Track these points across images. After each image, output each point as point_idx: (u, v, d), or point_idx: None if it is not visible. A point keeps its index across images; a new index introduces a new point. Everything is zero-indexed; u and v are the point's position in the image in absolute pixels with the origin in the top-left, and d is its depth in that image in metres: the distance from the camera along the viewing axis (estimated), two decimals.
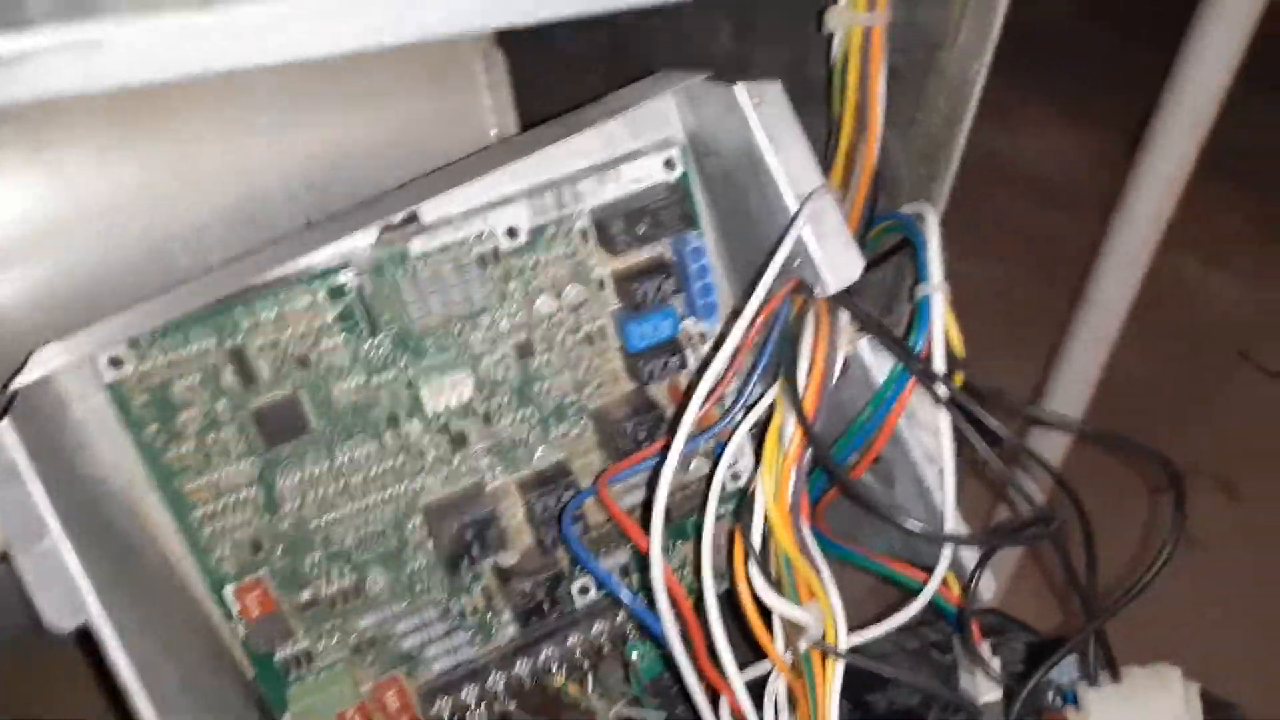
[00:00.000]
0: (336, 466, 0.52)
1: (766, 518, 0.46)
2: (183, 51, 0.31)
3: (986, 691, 0.54)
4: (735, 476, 0.60)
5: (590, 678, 0.60)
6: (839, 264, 0.46)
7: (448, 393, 0.52)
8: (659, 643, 0.46)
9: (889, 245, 0.56)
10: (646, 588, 0.56)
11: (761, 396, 0.48)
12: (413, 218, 0.49)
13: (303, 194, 0.60)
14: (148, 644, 0.45)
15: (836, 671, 0.47)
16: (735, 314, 0.47)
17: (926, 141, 0.53)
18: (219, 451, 0.50)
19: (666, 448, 0.52)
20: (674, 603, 0.46)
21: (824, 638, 0.47)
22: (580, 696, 0.59)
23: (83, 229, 0.56)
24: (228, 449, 0.50)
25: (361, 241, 0.49)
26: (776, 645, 0.47)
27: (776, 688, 0.47)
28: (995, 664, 0.55)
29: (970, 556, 0.51)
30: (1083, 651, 0.45)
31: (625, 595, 0.47)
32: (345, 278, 0.49)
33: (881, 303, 0.60)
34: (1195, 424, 1.36)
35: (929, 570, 0.56)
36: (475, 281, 0.51)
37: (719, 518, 0.61)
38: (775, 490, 0.46)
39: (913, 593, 0.55)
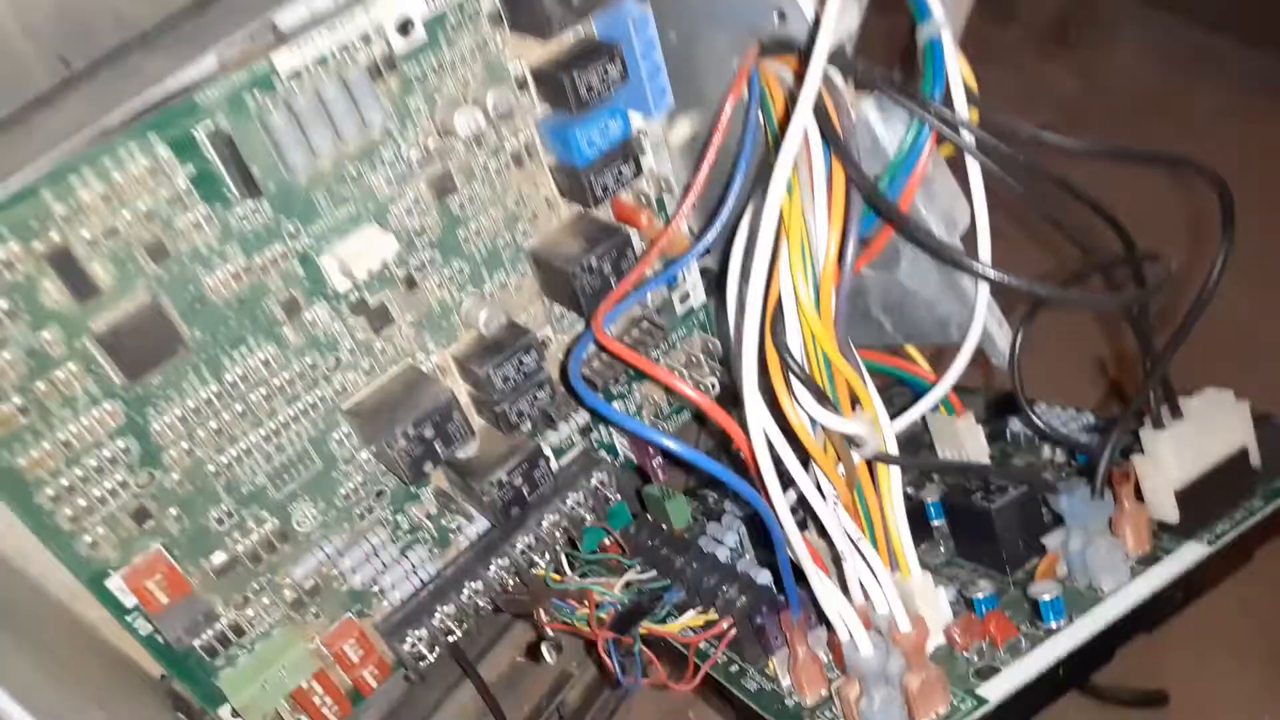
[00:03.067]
0: (228, 387, 0.39)
1: (805, 326, 0.39)
2: None
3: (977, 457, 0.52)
4: (684, 298, 0.52)
5: (564, 559, 0.52)
6: (836, 18, 0.37)
7: (356, 258, 0.39)
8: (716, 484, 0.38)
9: None
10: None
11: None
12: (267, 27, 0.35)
13: (49, 27, 0.42)
14: (62, 699, 0.32)
15: (894, 476, 0.42)
16: None
17: None
18: (60, 401, 0.35)
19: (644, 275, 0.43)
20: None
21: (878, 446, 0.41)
22: (566, 581, 0.51)
23: None
24: (73, 394, 0.35)
25: (202, 68, 0.34)
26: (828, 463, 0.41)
27: (839, 513, 0.41)
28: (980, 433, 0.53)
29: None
30: (1146, 397, 0.42)
31: (665, 441, 0.38)
32: (194, 121, 0.34)
33: None
34: None
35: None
36: (368, 101, 0.37)
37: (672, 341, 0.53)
38: (813, 296, 0.39)
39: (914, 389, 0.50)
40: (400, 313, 0.42)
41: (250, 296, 0.38)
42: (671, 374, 0.38)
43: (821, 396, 0.40)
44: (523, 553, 0.48)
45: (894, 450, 0.42)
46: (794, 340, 0.40)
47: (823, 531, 0.43)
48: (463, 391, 0.45)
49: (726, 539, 0.55)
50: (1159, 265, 0.40)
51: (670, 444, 0.37)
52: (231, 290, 0.37)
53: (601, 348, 0.42)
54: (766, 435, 0.39)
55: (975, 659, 0.42)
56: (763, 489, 0.39)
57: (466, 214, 0.42)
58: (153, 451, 0.38)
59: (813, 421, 0.41)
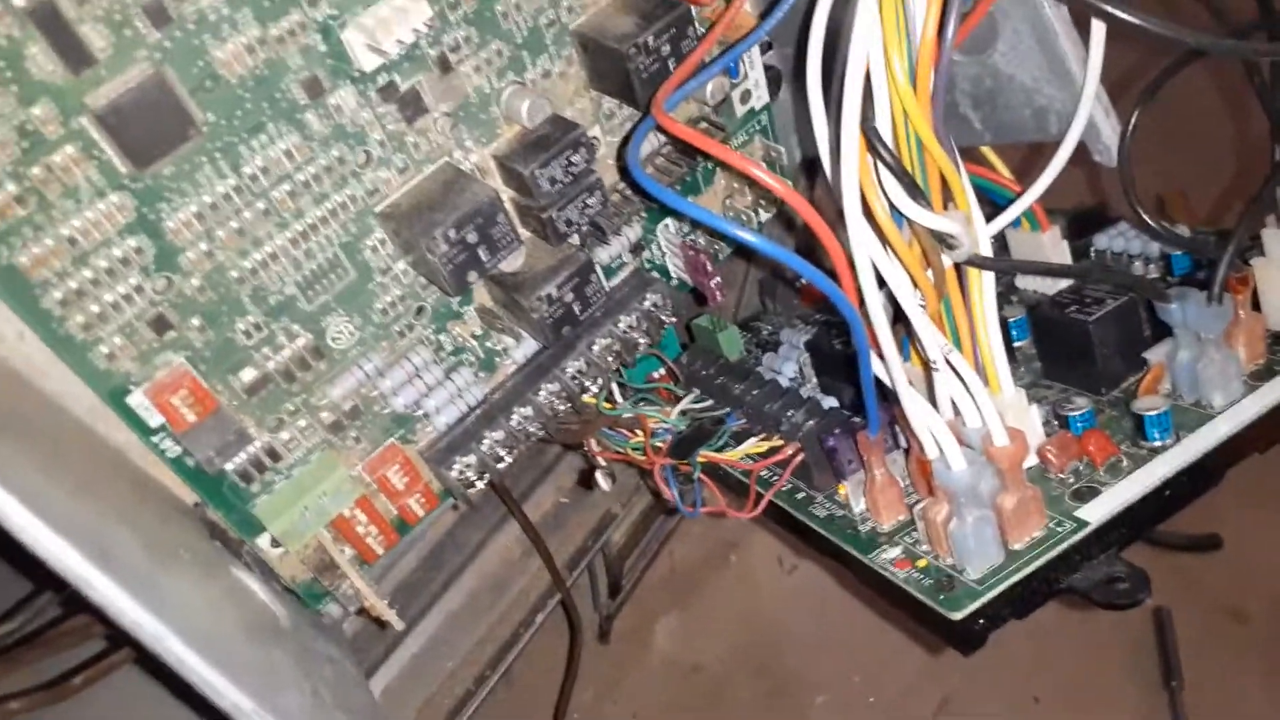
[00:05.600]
0: (248, 180, 0.34)
1: (896, 103, 0.34)
2: None
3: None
4: (744, 97, 0.47)
5: (615, 387, 0.49)
6: None
7: (385, 29, 0.34)
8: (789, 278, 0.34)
9: None
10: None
11: None
12: None
13: None
14: (82, 513, 0.29)
15: (988, 283, 0.38)
16: None
17: None
18: (61, 190, 0.31)
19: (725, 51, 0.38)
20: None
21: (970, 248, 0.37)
22: (618, 408, 0.48)
23: None
24: (75, 183, 0.31)
25: None
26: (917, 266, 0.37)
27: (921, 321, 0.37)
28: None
29: None
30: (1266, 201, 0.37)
31: (748, 235, 0.33)
32: None
33: None
34: None
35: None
36: None
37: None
38: (909, 67, 0.34)
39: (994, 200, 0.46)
40: (434, 101, 0.37)
41: (268, 75, 0.33)
42: (747, 159, 0.33)
43: (913, 188, 0.35)
44: (574, 377, 0.45)
45: (988, 253, 0.38)
46: (883, 123, 0.35)
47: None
48: (506, 198, 0.41)
49: (785, 369, 0.52)
50: None
51: (748, 236, 0.33)
52: (246, 66, 0.33)
53: (663, 132, 0.38)
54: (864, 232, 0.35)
55: (1071, 480, 0.38)
56: (855, 290, 0.35)
57: None
58: (169, 253, 0.34)
59: (899, 217, 0.36)
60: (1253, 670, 0.79)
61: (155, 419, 0.36)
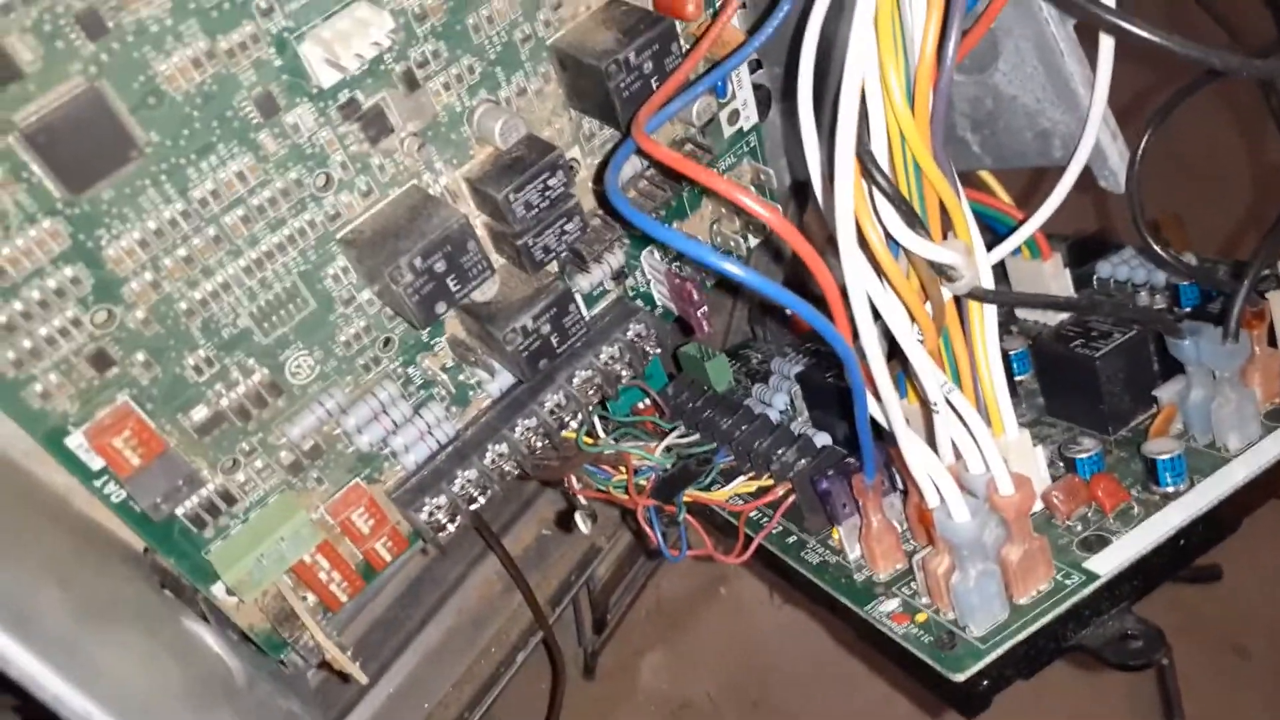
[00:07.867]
0: (196, 205, 0.32)
1: (892, 125, 0.32)
2: None
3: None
4: (733, 118, 0.45)
5: (597, 421, 0.46)
6: None
7: (344, 43, 0.32)
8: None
9: None
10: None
11: None
12: None
13: None
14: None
15: (989, 317, 0.36)
16: None
17: None
18: None
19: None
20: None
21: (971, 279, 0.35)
22: (601, 444, 0.45)
23: None
24: (1, 206, 0.29)
25: None
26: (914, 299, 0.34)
27: (919, 357, 0.35)
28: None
29: None
30: None
31: (733, 268, 0.30)
32: None
33: None
34: None
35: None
36: None
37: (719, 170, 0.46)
38: (907, 87, 0.31)
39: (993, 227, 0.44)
40: (400, 120, 0.35)
41: (217, 91, 0.31)
42: (734, 185, 0.31)
43: (911, 217, 0.33)
44: (552, 413, 0.42)
45: (990, 285, 0.36)
46: (879, 147, 0.33)
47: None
48: (479, 223, 0.38)
49: (775, 401, 0.49)
50: None
51: (734, 269, 0.30)
52: (193, 82, 0.30)
53: (644, 156, 0.35)
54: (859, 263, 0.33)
55: (1079, 527, 0.36)
56: (849, 325, 0.32)
57: None
58: (109, 283, 0.31)
59: (895, 248, 0.34)
60: (1253, 706, 0.77)
61: (96, 462, 0.33)
